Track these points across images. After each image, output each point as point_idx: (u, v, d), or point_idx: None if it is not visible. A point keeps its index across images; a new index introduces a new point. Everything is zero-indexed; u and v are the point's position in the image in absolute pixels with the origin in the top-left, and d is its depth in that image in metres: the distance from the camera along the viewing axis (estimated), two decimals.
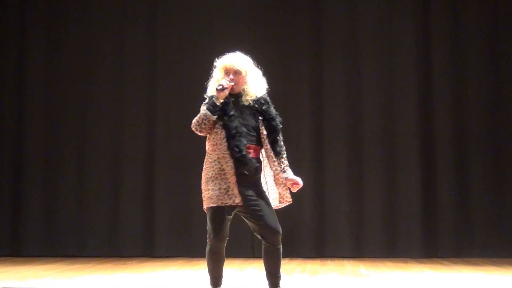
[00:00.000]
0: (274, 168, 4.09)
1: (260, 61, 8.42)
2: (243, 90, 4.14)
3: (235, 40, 8.33)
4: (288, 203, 4.23)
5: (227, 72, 4.13)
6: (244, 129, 4.03)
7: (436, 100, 8.23)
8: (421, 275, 6.21)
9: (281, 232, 4.13)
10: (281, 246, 4.17)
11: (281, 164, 4.19)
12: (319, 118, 8.36)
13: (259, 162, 4.12)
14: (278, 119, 4.19)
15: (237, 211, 4.09)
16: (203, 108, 4.05)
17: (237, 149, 3.97)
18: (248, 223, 4.16)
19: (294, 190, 4.24)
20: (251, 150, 4.04)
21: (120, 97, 8.65)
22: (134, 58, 8.66)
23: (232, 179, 3.97)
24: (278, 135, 4.16)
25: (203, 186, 4.08)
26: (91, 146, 8.62)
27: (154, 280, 5.97)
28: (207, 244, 4.11)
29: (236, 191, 3.97)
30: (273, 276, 4.20)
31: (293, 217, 8.22)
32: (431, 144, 8.21)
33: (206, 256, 4.16)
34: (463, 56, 8.27)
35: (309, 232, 8.18)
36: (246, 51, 7.87)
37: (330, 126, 8.32)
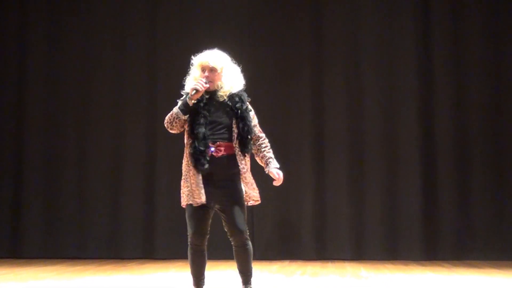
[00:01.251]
0: (241, 167, 4.08)
1: (260, 64, 8.50)
2: (218, 86, 4.15)
3: (235, 43, 8.35)
4: (256, 203, 4.21)
5: (203, 69, 4.16)
6: (209, 130, 4.05)
7: (437, 102, 8.23)
8: (422, 277, 6.19)
9: (244, 231, 4.11)
10: (249, 246, 4.16)
11: (264, 157, 4.24)
12: (319, 120, 8.35)
13: (233, 159, 4.09)
14: (249, 119, 4.16)
15: (214, 210, 4.12)
16: (175, 106, 4.10)
17: (196, 149, 4.00)
18: None
19: (276, 184, 4.23)
20: (222, 148, 4.05)
21: (121, 98, 8.65)
22: (135, 58, 8.66)
23: (197, 178, 4.00)
24: (249, 135, 4.13)
25: (182, 183, 4.13)
26: (92, 147, 8.62)
27: (154, 281, 5.96)
28: (188, 243, 4.13)
29: (201, 190, 3.99)
30: (244, 275, 4.22)
31: (293, 219, 8.22)
32: (432, 147, 8.20)
33: (188, 255, 4.16)
34: (464, 58, 8.26)
35: (309, 234, 8.17)
36: (247, 54, 7.92)
37: (331, 129, 8.31)
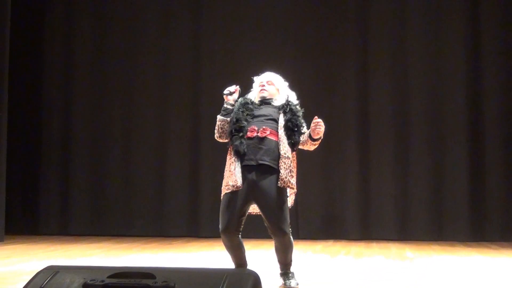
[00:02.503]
0: (282, 152, 4.08)
1: (304, 42, 8.43)
2: (275, 98, 4.32)
3: (280, 22, 8.32)
4: (291, 190, 4.16)
5: (261, 82, 4.37)
6: (255, 119, 4.15)
7: (485, 80, 8.07)
8: (468, 259, 6.11)
9: (287, 231, 4.03)
10: (291, 241, 4.11)
11: (303, 140, 4.24)
12: (364, 100, 8.28)
13: (276, 144, 4.10)
14: (299, 115, 4.25)
15: (251, 204, 4.09)
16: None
17: (235, 132, 4.09)
18: None
19: (319, 129, 4.16)
20: (267, 131, 4.10)
21: (166, 78, 8.73)
22: (180, 41, 8.70)
23: (236, 165, 4.02)
24: (296, 126, 4.18)
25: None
26: (137, 127, 8.73)
27: (198, 259, 6.02)
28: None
29: (238, 175, 4.00)
30: (283, 264, 4.24)
31: (338, 199, 8.20)
32: (479, 126, 8.05)
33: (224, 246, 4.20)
34: None
35: (354, 215, 8.14)
36: (291, 34, 7.86)
37: (376, 109, 8.24)
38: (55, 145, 8.89)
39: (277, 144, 4.09)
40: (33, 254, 6.23)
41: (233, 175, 4.00)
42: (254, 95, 4.35)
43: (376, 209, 8.13)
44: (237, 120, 4.12)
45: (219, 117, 4.23)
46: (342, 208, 8.20)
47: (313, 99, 8.33)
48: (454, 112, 8.08)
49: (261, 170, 4.03)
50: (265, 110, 4.22)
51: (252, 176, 4.02)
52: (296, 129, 4.17)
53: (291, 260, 4.23)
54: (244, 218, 4.07)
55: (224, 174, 4.12)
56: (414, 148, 8.15)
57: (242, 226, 4.07)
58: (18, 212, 8.77)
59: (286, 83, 4.43)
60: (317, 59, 8.38)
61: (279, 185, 4.01)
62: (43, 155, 8.91)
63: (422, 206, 8.04)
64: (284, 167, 4.05)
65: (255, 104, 4.27)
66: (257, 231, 7.26)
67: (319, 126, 4.12)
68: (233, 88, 4.27)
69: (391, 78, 8.26)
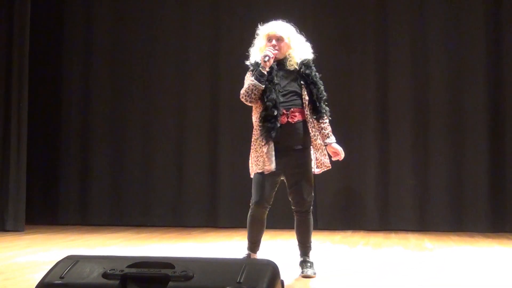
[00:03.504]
0: (312, 134, 4.11)
1: (324, 34, 8.40)
2: (288, 55, 4.18)
3: (299, 13, 8.28)
4: (327, 169, 4.22)
5: (269, 39, 4.18)
6: (281, 97, 4.05)
7: (506, 69, 7.97)
8: (488, 250, 6.07)
9: (310, 202, 4.16)
10: (311, 217, 4.21)
11: (322, 129, 4.20)
12: (384, 89, 8.23)
13: (305, 125, 4.11)
14: (320, 85, 4.19)
15: (282, 179, 4.15)
16: (250, 78, 4.10)
17: (268, 116, 4.01)
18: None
19: (334, 159, 4.24)
20: (297, 114, 4.07)
21: (184, 69, 8.73)
22: (199, 32, 8.69)
23: (269, 147, 4.01)
24: (320, 101, 4.14)
25: (251, 155, 4.17)
26: (156, 117, 8.75)
27: (217, 249, 6.04)
28: (250, 209, 4.18)
29: (271, 158, 4.01)
30: (303, 246, 4.27)
31: (356, 189, 8.17)
32: (499, 115, 7.97)
33: (247, 220, 4.22)
34: None
35: (372, 205, 8.11)
36: (310, 23, 7.81)
37: (395, 97, 8.18)
38: (74, 135, 8.94)
39: (305, 124, 4.10)
40: (53, 244, 6.28)
41: (266, 159, 4.02)
42: (259, 53, 4.16)
43: (395, 200, 8.09)
44: (270, 101, 4.00)
45: (255, 82, 4.03)
46: (361, 198, 8.17)
47: (332, 89, 8.28)
48: (474, 102, 8.00)
49: (293, 154, 4.08)
50: (286, 83, 4.12)
51: (285, 159, 4.06)
52: (322, 102, 4.15)
53: (311, 242, 4.26)
54: (275, 191, 4.16)
55: (253, 152, 4.12)
56: (434, 138, 8.09)
57: (272, 200, 4.15)
58: (38, 202, 8.84)
59: (301, 36, 4.28)
60: (337, 50, 8.33)
61: (317, 170, 4.12)
62: (63, 145, 8.97)
63: (442, 196, 7.99)
64: (316, 149, 4.13)
65: (275, 69, 4.11)
66: (275, 221, 7.28)
67: (338, 157, 4.24)
68: (271, 52, 4.06)
69: (411, 69, 8.19)
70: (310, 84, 4.14)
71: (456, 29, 8.12)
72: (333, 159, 4.28)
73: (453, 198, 7.97)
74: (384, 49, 8.26)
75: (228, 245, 6.36)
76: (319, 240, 6.61)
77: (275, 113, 4.01)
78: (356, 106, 8.23)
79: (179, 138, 8.68)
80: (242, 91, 4.10)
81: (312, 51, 4.30)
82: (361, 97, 8.24)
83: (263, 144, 4.04)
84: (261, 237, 4.29)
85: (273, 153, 4.02)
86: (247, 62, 4.30)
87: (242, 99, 4.12)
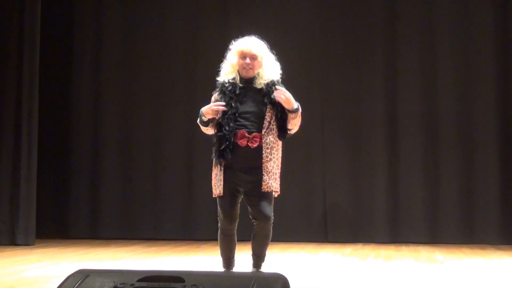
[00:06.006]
0: (264, 155, 4.04)
1: (332, 45, 8.41)
2: (258, 74, 4.14)
3: (307, 24, 8.30)
4: (275, 194, 4.15)
5: (243, 56, 4.13)
6: (242, 119, 4.03)
7: None
8: (499, 262, 6.03)
9: (270, 217, 4.12)
10: (271, 232, 4.19)
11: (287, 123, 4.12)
12: (393, 101, 8.21)
13: (260, 148, 4.04)
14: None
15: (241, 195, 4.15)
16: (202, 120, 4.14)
17: (222, 142, 4.03)
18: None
19: (282, 98, 4.01)
20: (257, 139, 4.03)
21: (193, 83, 8.73)
22: (208, 45, 8.70)
23: (218, 170, 4.10)
24: (284, 122, 4.07)
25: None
26: (166, 131, 8.77)
27: None
28: (219, 227, 4.24)
29: (220, 183, 4.09)
30: (257, 257, 4.30)
31: (367, 202, 8.14)
32: (510, 127, 7.93)
33: (218, 239, 4.28)
34: None
35: (383, 217, 8.07)
36: (318, 34, 7.82)
37: (405, 110, 8.16)
38: (84, 149, 8.97)
39: (260, 149, 4.04)
40: (64, 258, 6.30)
41: (218, 183, 4.07)
42: (230, 69, 4.16)
43: (406, 212, 8.06)
44: (222, 125, 4.02)
45: (202, 126, 4.17)
46: (371, 210, 8.14)
47: (341, 101, 8.31)
48: (484, 114, 7.98)
49: (248, 173, 4.06)
50: (249, 104, 4.08)
51: (239, 179, 4.07)
52: (284, 124, 4.08)
53: (265, 254, 4.24)
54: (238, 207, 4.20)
55: (213, 175, 4.16)
56: (444, 150, 8.06)
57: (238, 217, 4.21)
58: (49, 216, 8.85)
59: (272, 55, 4.23)
60: (345, 61, 8.33)
61: (263, 190, 4.03)
62: (73, 160, 8.99)
63: (452, 208, 7.95)
64: (266, 171, 4.04)
65: (238, 85, 4.11)
66: (285, 235, 7.27)
67: (281, 94, 3.98)
68: (218, 109, 4.06)
69: (420, 80, 8.18)
70: (276, 104, 4.05)
71: (465, 40, 8.11)
72: (280, 97, 4.03)
73: (464, 210, 7.93)
74: (393, 61, 8.25)
75: (237, 259, 6.34)
76: (330, 253, 6.59)
77: (228, 139, 4.00)
78: (365, 118, 8.22)
79: (189, 152, 8.68)
80: (199, 122, 4.15)
81: (280, 72, 4.23)
82: (370, 109, 8.23)
83: (216, 167, 4.08)
84: (234, 253, 4.35)
85: (222, 178, 4.05)
86: (218, 78, 4.29)
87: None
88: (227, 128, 4.01)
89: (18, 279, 4.73)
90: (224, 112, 4.04)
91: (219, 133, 4.04)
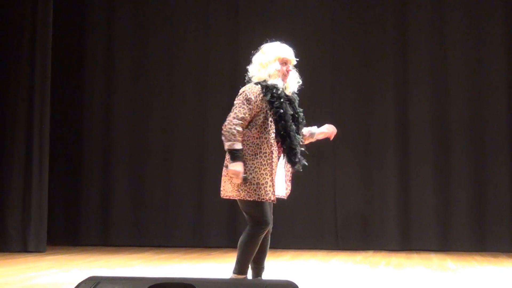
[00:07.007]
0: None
1: (343, 53, 8.41)
2: (287, 83, 4.14)
3: (318, 31, 8.31)
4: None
5: (285, 63, 4.11)
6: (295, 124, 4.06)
7: None
8: None
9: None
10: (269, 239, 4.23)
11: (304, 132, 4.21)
12: (404, 107, 8.19)
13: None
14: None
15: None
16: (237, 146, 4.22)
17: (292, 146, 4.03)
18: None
19: (330, 134, 4.20)
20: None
21: (205, 88, 8.75)
22: (219, 50, 8.72)
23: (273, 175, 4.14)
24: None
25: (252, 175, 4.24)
26: (177, 137, 8.77)
27: None
28: (253, 231, 4.16)
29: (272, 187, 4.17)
30: (257, 267, 4.26)
31: (378, 209, 8.11)
32: None
33: (247, 242, 4.15)
34: None
35: (394, 225, 8.04)
36: (329, 43, 7.82)
37: (416, 117, 8.14)
38: (95, 156, 8.99)
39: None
40: (75, 265, 6.30)
41: (270, 188, 4.06)
42: (275, 73, 4.08)
43: (417, 219, 8.02)
44: (289, 131, 4.02)
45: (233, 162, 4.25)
46: (382, 218, 8.11)
47: (352, 108, 8.30)
48: (496, 121, 7.94)
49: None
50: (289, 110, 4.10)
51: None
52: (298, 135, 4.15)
53: (239, 260, 4.21)
54: None
55: (260, 174, 4.09)
56: (455, 156, 8.02)
57: None
58: (60, 223, 8.88)
59: None
60: (356, 67, 8.33)
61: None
62: (84, 167, 9.01)
63: (464, 216, 7.91)
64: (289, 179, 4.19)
65: (284, 91, 4.11)
66: (296, 242, 7.25)
67: (332, 135, 4.19)
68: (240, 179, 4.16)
69: (431, 86, 8.16)
70: (300, 117, 4.14)
71: (476, 45, 8.09)
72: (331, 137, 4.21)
73: (476, 217, 7.89)
74: (404, 67, 8.24)
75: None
76: (341, 261, 6.56)
77: (296, 144, 4.03)
78: (376, 124, 8.20)
79: (199, 159, 8.69)
80: (230, 126, 4.22)
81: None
82: (381, 115, 8.21)
83: (268, 171, 4.05)
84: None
85: (273, 183, 4.07)
86: (254, 80, 4.26)
87: (224, 130, 4.22)
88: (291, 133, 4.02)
89: (29, 286, 4.74)
90: (282, 115, 4.00)
91: (290, 140, 4.03)
